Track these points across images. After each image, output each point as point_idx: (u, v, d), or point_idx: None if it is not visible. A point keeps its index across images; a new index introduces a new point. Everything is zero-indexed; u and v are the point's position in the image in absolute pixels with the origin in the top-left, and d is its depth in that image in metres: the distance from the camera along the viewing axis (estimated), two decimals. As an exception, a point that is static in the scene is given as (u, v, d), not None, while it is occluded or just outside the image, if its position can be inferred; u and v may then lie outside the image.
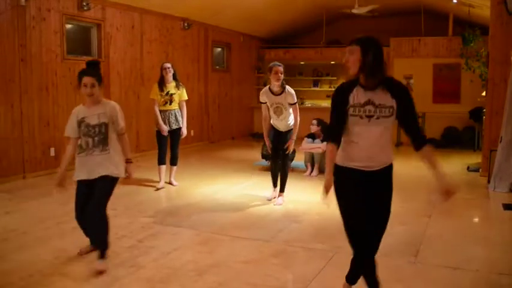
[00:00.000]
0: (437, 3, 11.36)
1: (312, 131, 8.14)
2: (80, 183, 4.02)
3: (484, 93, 8.78)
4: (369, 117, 2.83)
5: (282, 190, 6.12)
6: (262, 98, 5.96)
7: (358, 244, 3.01)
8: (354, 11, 10.83)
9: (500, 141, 6.77)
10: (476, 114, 10.69)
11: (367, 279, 3.11)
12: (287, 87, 5.88)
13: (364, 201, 2.92)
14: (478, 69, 9.64)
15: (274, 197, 6.19)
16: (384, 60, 2.88)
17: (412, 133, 2.88)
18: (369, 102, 2.83)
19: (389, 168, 2.99)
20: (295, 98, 5.91)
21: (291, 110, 5.89)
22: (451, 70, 11.78)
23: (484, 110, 8.05)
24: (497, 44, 7.31)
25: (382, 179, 2.97)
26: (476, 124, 10.78)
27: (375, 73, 2.81)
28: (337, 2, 11.64)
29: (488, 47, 7.65)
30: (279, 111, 5.86)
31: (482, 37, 9.74)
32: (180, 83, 6.90)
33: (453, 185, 2.83)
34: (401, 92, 2.85)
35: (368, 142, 2.88)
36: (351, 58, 2.87)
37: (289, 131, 6.00)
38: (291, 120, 5.97)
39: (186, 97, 6.93)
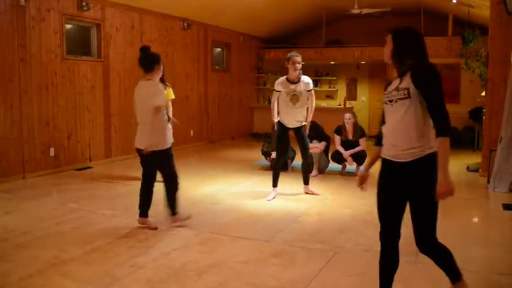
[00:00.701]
0: (437, 3, 11.36)
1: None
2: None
3: (483, 93, 8.78)
4: (391, 101, 2.86)
5: (307, 183, 6.52)
6: (278, 87, 6.18)
7: (383, 237, 3.08)
8: (354, 11, 10.84)
9: (500, 141, 6.77)
10: (476, 114, 10.69)
11: (384, 277, 3.18)
12: (303, 76, 6.14)
13: (388, 194, 3.00)
14: (478, 69, 9.64)
15: (274, 197, 6.20)
16: (422, 47, 2.88)
17: (433, 120, 2.75)
18: (396, 88, 2.85)
19: (422, 160, 2.77)
20: (312, 85, 6.23)
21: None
22: (450, 70, 11.79)
23: (484, 110, 8.05)
24: (497, 44, 7.31)
25: (413, 172, 2.79)
26: (476, 124, 10.78)
27: (401, 59, 2.85)
28: (337, 2, 11.65)
29: (488, 47, 7.65)
30: (295, 98, 6.09)
31: (481, 37, 9.74)
32: (167, 83, 6.91)
33: (447, 187, 2.67)
34: (420, 74, 2.76)
35: (389, 128, 2.90)
36: (385, 46, 2.95)
37: (295, 128, 6.19)
38: (303, 116, 6.22)
39: (173, 96, 7.03)
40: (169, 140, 4.93)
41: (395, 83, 2.90)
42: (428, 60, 2.87)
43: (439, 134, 2.72)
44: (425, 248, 2.93)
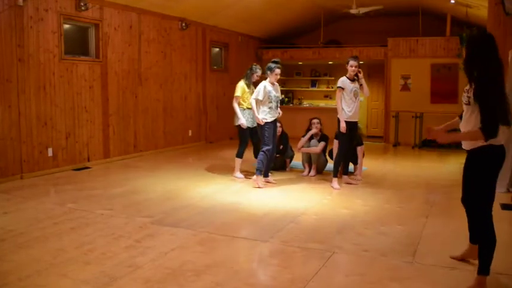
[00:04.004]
0: (435, 4, 11.38)
1: (316, 131, 8.01)
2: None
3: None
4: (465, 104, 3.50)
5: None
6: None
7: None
8: (352, 11, 10.84)
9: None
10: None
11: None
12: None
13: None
14: (476, 70, 9.63)
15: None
16: (481, 55, 3.38)
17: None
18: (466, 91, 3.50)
19: (472, 152, 3.49)
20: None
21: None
22: (448, 70, 11.80)
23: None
24: (495, 44, 7.30)
25: (468, 159, 3.55)
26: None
27: (465, 68, 3.45)
28: (335, 2, 11.66)
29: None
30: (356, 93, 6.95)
31: (479, 37, 9.74)
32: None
33: (435, 130, 3.59)
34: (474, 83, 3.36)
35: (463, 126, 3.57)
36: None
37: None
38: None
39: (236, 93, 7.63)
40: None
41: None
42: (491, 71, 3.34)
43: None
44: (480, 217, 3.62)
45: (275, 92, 7.01)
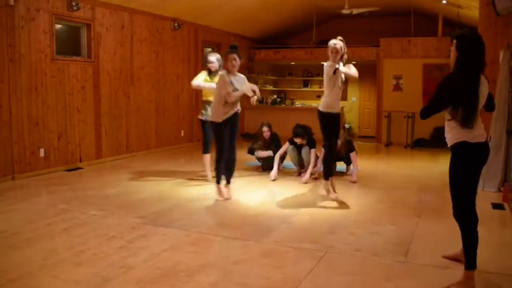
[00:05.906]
0: (427, 4, 11.44)
1: (298, 143, 7.77)
2: None
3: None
4: None
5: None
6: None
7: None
8: (344, 11, 10.88)
9: (489, 141, 6.82)
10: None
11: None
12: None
13: None
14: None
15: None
16: (473, 57, 3.78)
17: None
18: None
19: (451, 148, 3.58)
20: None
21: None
22: (440, 70, 11.83)
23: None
24: (486, 44, 7.31)
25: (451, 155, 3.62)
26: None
27: (456, 67, 3.66)
28: (327, 3, 11.69)
29: (477, 48, 7.70)
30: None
31: (471, 38, 9.81)
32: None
33: None
34: None
35: None
36: (452, 49, 3.71)
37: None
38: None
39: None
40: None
41: None
42: (464, 69, 3.74)
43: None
44: (454, 215, 3.60)
45: (236, 84, 5.95)
